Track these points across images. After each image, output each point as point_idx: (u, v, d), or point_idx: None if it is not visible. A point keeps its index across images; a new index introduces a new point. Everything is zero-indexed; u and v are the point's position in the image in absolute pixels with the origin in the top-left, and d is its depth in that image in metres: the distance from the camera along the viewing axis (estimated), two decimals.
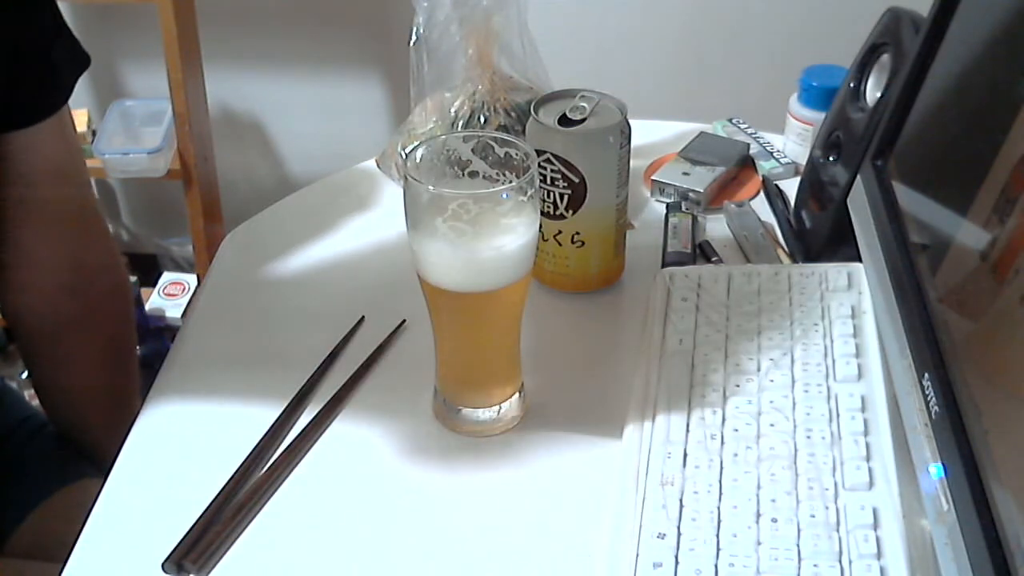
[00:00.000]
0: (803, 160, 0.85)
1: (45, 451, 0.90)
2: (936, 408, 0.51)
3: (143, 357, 1.64)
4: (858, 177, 0.69)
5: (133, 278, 1.80)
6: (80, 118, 1.73)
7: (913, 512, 0.54)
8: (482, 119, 0.83)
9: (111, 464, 0.64)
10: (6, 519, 0.85)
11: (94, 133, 1.73)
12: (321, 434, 0.66)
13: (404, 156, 0.86)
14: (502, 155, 0.60)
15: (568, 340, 0.73)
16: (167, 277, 1.81)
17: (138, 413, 0.68)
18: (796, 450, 0.58)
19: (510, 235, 0.58)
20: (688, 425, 0.60)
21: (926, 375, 0.53)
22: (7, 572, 0.81)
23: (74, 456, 0.91)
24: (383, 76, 1.87)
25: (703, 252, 0.80)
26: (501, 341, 0.64)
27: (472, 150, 0.60)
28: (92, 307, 0.86)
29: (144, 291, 1.74)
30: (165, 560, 0.57)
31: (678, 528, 0.54)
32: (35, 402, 0.94)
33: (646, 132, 0.95)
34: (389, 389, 0.69)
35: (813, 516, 0.54)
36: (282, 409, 0.67)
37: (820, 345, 0.65)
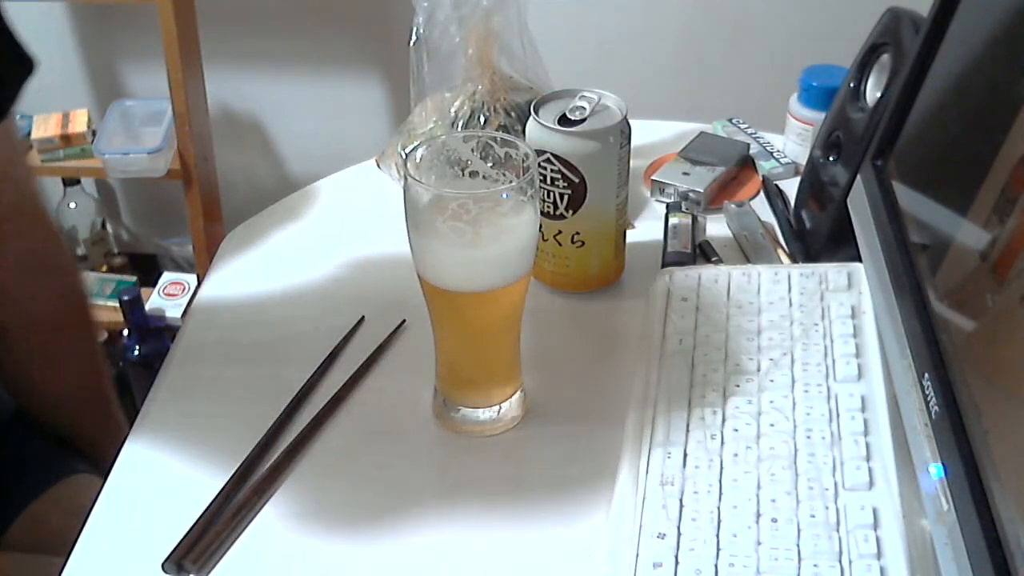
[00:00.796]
0: (803, 160, 0.85)
1: (39, 447, 0.91)
2: (936, 408, 0.51)
3: (143, 357, 1.64)
4: (858, 177, 0.69)
5: (133, 278, 1.80)
6: (80, 118, 1.73)
7: (913, 512, 0.54)
8: (482, 119, 0.83)
9: (111, 463, 0.64)
10: (1, 515, 0.85)
11: (94, 133, 1.73)
12: (321, 434, 0.66)
13: (404, 156, 0.86)
14: (502, 155, 0.60)
15: (568, 340, 0.73)
16: (167, 277, 1.81)
17: (138, 412, 0.69)
18: (796, 450, 0.58)
19: (510, 235, 0.58)
20: (688, 425, 0.60)
21: (926, 375, 0.53)
22: (3, 566, 0.81)
23: (68, 452, 0.91)
24: (383, 76, 1.87)
25: (703, 252, 0.80)
26: (501, 341, 0.64)
27: (472, 150, 0.60)
28: (48, 308, 0.87)
29: (144, 291, 1.74)
30: (165, 560, 0.57)
31: (678, 528, 0.54)
32: None
33: (646, 132, 0.94)
34: (389, 389, 0.69)
35: (813, 516, 0.54)
36: (282, 409, 0.67)
37: (820, 345, 0.65)
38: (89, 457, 0.91)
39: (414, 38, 0.84)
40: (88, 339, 0.94)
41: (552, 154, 0.69)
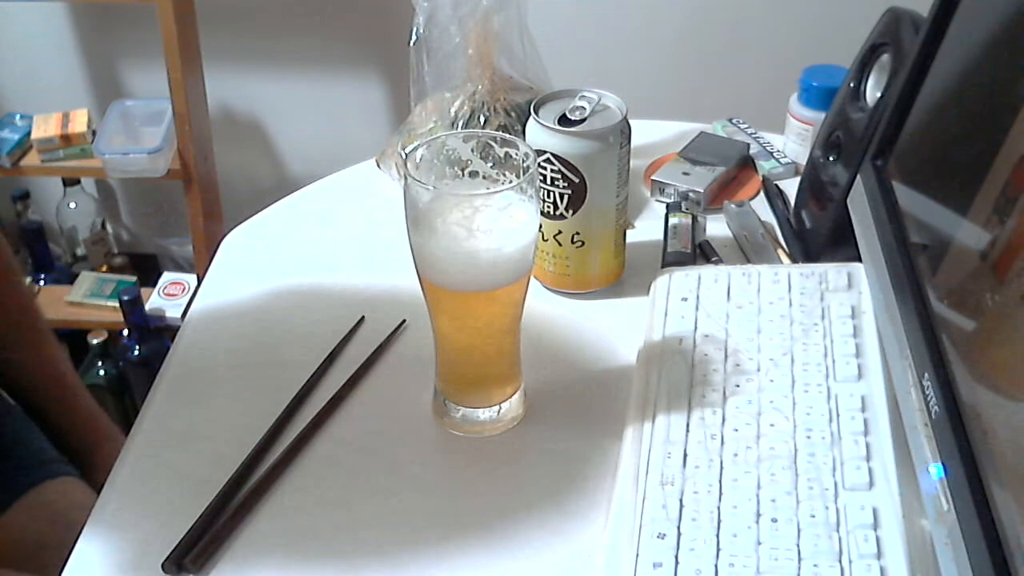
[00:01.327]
0: (803, 160, 0.85)
1: (21, 451, 0.89)
2: (936, 408, 0.51)
3: (143, 357, 1.64)
4: (858, 177, 0.69)
5: (133, 278, 1.80)
6: (80, 118, 1.73)
7: (913, 512, 0.54)
8: (482, 119, 0.83)
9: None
10: None
11: (94, 133, 1.73)
12: (321, 434, 0.66)
13: (404, 156, 0.86)
14: (502, 155, 0.60)
15: (568, 340, 0.73)
16: (167, 277, 1.81)
17: (138, 412, 0.69)
18: (796, 450, 0.58)
19: (510, 235, 0.58)
20: (688, 425, 0.60)
21: (926, 375, 0.53)
22: None
23: (50, 455, 0.90)
24: (383, 76, 1.87)
25: (703, 252, 0.80)
26: (501, 341, 0.64)
27: (472, 150, 0.60)
28: None
29: (144, 291, 1.73)
30: (165, 560, 0.57)
31: (678, 528, 0.54)
32: None
33: (646, 132, 0.95)
34: (389, 389, 0.69)
35: (813, 516, 0.54)
36: (282, 409, 0.67)
37: (820, 345, 0.65)
38: (65, 451, 0.90)
39: (414, 38, 0.84)
40: (39, 337, 0.94)
41: (552, 154, 0.69)
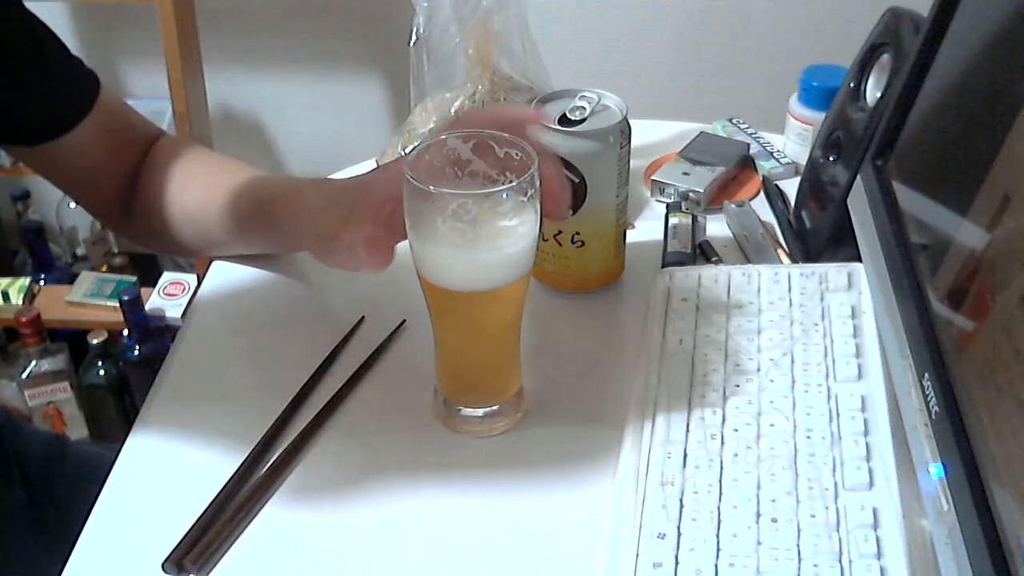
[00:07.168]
0: (803, 160, 0.85)
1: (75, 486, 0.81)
2: (936, 408, 0.51)
3: (143, 357, 1.64)
4: (858, 177, 0.69)
5: (133, 278, 1.80)
6: None
7: (913, 512, 0.54)
8: None
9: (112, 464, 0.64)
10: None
11: None
12: (321, 434, 0.66)
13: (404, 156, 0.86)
14: (502, 155, 0.60)
15: (568, 340, 0.73)
16: (167, 277, 1.81)
17: (138, 412, 0.69)
18: (796, 450, 0.58)
19: (510, 235, 0.58)
20: (688, 425, 0.60)
21: (926, 375, 0.53)
22: None
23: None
24: (383, 76, 1.87)
25: (703, 252, 0.80)
26: (501, 341, 0.64)
27: (472, 150, 0.60)
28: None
29: (144, 291, 1.73)
30: (165, 560, 0.57)
31: (678, 528, 0.54)
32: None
33: (646, 132, 0.94)
34: (389, 389, 0.69)
35: (813, 516, 0.54)
36: (282, 409, 0.67)
37: (820, 345, 0.65)
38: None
39: (414, 38, 0.84)
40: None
41: None
